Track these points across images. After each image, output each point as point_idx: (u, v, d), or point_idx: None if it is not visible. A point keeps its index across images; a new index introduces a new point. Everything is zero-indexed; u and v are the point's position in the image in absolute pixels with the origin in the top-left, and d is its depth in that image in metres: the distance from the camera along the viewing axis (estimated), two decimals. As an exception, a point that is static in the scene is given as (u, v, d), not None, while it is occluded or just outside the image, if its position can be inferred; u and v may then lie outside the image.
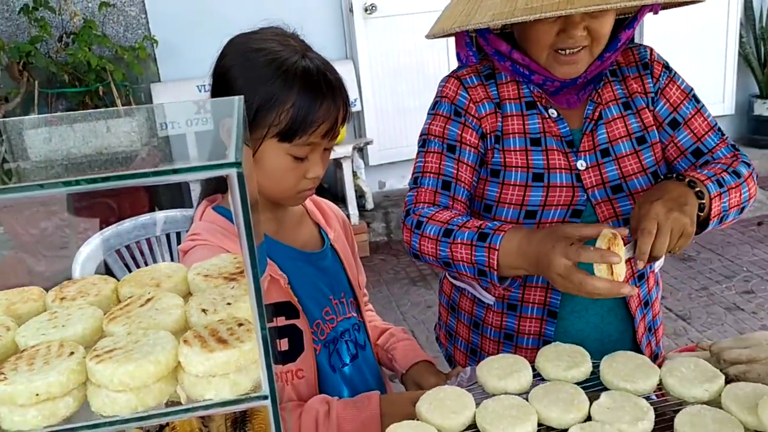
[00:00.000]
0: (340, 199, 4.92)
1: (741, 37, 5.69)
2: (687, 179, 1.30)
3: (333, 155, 4.60)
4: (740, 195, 1.39)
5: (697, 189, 1.29)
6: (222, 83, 1.24)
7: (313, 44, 1.32)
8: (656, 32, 5.55)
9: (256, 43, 1.24)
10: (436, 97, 1.49)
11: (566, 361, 1.21)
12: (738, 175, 1.39)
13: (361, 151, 5.08)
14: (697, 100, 1.50)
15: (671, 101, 1.48)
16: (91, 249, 2.11)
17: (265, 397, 0.70)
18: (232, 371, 0.70)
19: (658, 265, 1.60)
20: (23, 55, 4.27)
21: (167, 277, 0.87)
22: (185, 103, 2.82)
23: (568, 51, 1.34)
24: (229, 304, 0.79)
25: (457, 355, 1.63)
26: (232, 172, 0.63)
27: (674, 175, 1.32)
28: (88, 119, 1.02)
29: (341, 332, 1.42)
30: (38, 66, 4.36)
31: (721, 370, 1.39)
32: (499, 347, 1.54)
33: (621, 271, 1.14)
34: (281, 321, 1.30)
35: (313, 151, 1.26)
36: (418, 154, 1.47)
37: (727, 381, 1.36)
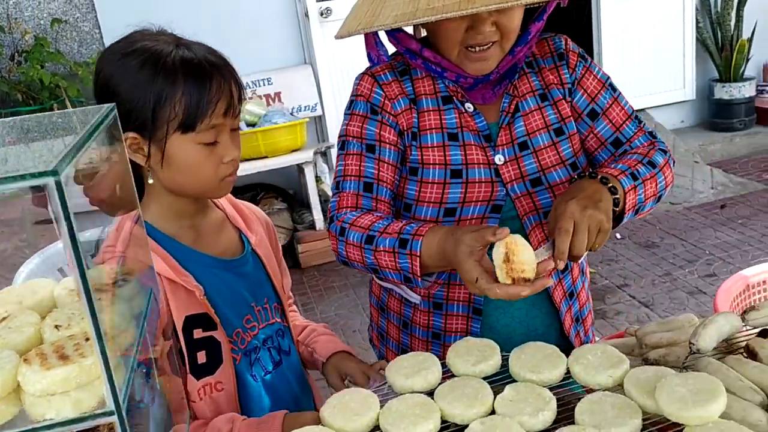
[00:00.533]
0: (305, 205, 4.90)
1: (697, 22, 5.75)
2: (600, 176, 1.31)
3: (295, 161, 4.63)
4: (656, 185, 1.40)
5: (611, 185, 1.29)
6: (106, 96, 1.21)
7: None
8: (613, 22, 5.60)
9: (127, 48, 1.22)
10: (351, 96, 1.47)
11: (475, 356, 1.21)
12: (653, 165, 1.41)
13: (324, 155, 5.07)
14: (614, 89, 1.50)
15: (589, 92, 1.48)
16: (30, 269, 2.08)
17: (111, 413, 0.68)
18: (72, 388, 0.68)
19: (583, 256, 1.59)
20: (56, 87, 4.23)
21: (32, 294, 0.85)
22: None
23: (478, 48, 1.33)
24: (83, 318, 0.77)
25: (390, 356, 1.62)
26: (50, 182, 0.61)
27: (587, 173, 1.33)
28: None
29: (263, 340, 1.40)
30: (76, 99, 4.34)
31: (642, 355, 1.41)
32: (428, 346, 1.53)
33: (529, 274, 1.13)
34: (198, 333, 1.28)
35: (220, 133, 1.24)
36: (338, 157, 1.45)
37: (648, 364, 1.37)
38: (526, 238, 1.41)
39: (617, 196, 1.30)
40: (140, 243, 1.26)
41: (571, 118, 1.48)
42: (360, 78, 1.47)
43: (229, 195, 1.52)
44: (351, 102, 1.47)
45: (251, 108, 4.71)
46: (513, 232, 1.40)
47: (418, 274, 1.26)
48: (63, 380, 0.67)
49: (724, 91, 5.78)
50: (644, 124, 1.51)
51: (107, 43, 4.90)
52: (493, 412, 1.09)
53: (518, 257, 1.12)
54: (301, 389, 1.48)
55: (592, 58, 5.71)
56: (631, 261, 4.20)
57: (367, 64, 1.47)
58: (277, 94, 5.06)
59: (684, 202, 4.99)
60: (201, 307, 1.28)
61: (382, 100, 1.42)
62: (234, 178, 1.31)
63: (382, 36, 1.43)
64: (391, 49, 1.48)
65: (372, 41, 1.43)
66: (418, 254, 1.24)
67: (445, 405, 1.09)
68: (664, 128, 5.66)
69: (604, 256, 4.31)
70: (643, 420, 1.04)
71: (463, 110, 1.43)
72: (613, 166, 1.38)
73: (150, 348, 1.04)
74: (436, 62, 1.39)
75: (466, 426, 1.06)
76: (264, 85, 5.06)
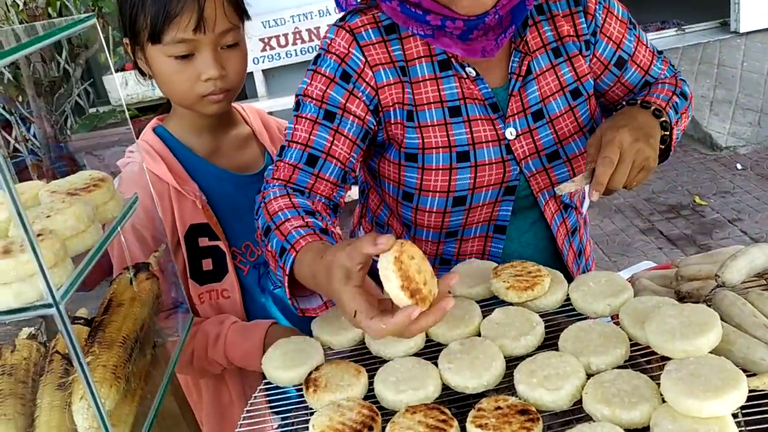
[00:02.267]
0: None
1: None
2: (653, 107, 1.17)
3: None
4: (687, 118, 1.28)
5: (663, 119, 1.17)
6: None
7: None
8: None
9: None
10: (320, 49, 1.23)
11: (474, 279, 1.17)
12: (685, 96, 1.28)
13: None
14: (634, 25, 1.33)
15: (613, 38, 1.29)
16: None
17: (50, 306, 0.74)
18: (12, 280, 0.74)
19: (585, 206, 1.45)
20: (93, 2, 4.49)
21: (20, 194, 0.92)
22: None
23: None
24: (48, 216, 0.83)
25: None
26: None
27: (638, 102, 1.20)
28: None
29: None
30: (109, 11, 4.58)
31: (676, 288, 1.31)
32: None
33: (423, 287, 0.86)
34: (204, 242, 1.34)
35: (196, 49, 1.24)
36: (292, 119, 1.23)
37: (680, 298, 1.27)
38: (541, 215, 1.33)
39: (668, 132, 1.17)
40: (152, 153, 1.32)
41: (588, 76, 1.28)
42: (334, 32, 1.21)
43: (261, 110, 1.54)
44: (318, 57, 1.22)
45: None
46: (526, 209, 1.31)
47: (289, 295, 1.04)
48: (1, 272, 0.73)
49: None
50: (664, 56, 1.37)
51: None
52: (479, 335, 1.06)
53: (411, 267, 0.85)
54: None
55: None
56: (749, 194, 3.85)
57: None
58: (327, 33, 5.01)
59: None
60: (201, 217, 1.33)
61: (361, 66, 1.18)
62: (220, 97, 1.28)
63: None
64: None
65: None
66: (287, 273, 1.02)
67: (430, 324, 1.08)
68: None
69: (719, 187, 3.98)
70: (635, 351, 0.98)
71: (464, 75, 1.21)
72: (655, 96, 1.24)
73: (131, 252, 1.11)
74: (416, 2, 1.13)
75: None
76: (368, 7, 5.02)
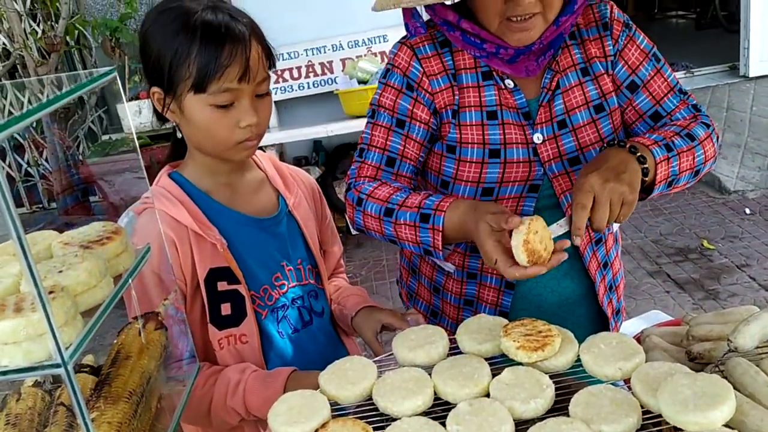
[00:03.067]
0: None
1: None
2: (628, 145, 1.23)
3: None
4: (693, 158, 1.30)
5: (639, 154, 1.21)
6: (144, 44, 1.28)
7: None
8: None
9: (169, 3, 1.27)
10: (387, 64, 1.43)
11: (484, 334, 1.16)
12: (692, 137, 1.31)
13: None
14: (658, 59, 1.41)
15: (630, 63, 1.40)
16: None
17: (58, 366, 0.73)
18: (22, 340, 0.73)
19: (616, 226, 1.52)
20: (111, 31, 4.56)
21: (32, 245, 0.92)
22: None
23: (519, 18, 1.26)
24: (60, 272, 0.83)
25: (418, 314, 1.62)
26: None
27: (616, 142, 1.25)
28: None
29: (293, 299, 1.43)
30: (127, 41, 4.66)
31: (687, 347, 1.29)
32: (459, 312, 1.51)
33: (544, 252, 1.12)
34: (223, 286, 1.34)
35: (237, 98, 1.26)
36: (366, 124, 1.44)
37: (690, 358, 1.26)
38: (562, 215, 1.38)
39: (646, 165, 1.22)
40: (170, 198, 1.33)
41: (612, 93, 1.40)
42: (398, 48, 1.41)
43: (273, 156, 1.56)
44: (387, 71, 1.42)
45: (363, 65, 4.74)
46: (549, 209, 1.41)
47: (440, 248, 1.25)
48: (12, 331, 0.73)
49: None
50: (688, 97, 1.41)
51: (234, 2, 5.14)
52: (488, 394, 1.05)
53: (536, 242, 1.10)
54: (333, 350, 1.50)
55: (736, 6, 5.24)
56: (757, 239, 3.83)
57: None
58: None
59: (833, 176, 4.46)
60: (222, 261, 1.33)
61: (420, 76, 1.38)
62: (254, 143, 1.32)
63: (419, 6, 1.37)
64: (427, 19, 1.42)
65: (409, 13, 1.37)
66: (440, 229, 1.24)
67: (439, 382, 1.07)
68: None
69: (727, 232, 3.96)
70: (647, 419, 0.96)
71: (503, 86, 1.38)
72: (647, 136, 1.30)
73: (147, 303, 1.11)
74: (475, 33, 1.31)
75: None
76: (380, 42, 5.07)
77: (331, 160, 5.17)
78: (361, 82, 4.72)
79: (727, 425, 0.90)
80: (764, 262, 3.60)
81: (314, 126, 4.65)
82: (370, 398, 1.09)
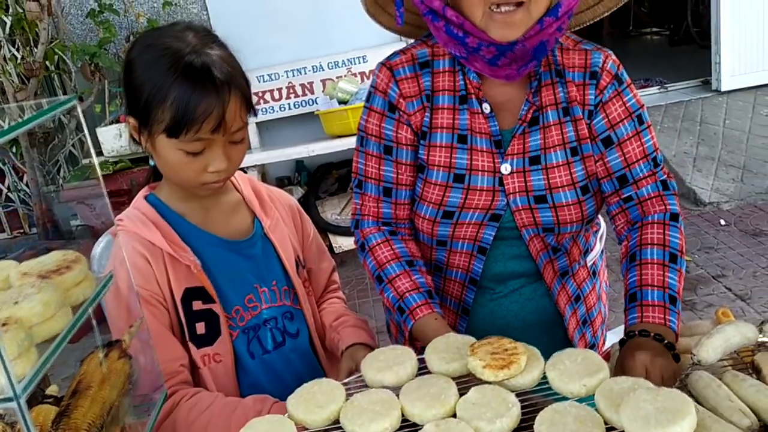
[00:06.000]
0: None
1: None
2: (653, 334, 1.18)
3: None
4: (682, 275, 1.29)
5: (666, 341, 1.18)
6: (126, 73, 1.29)
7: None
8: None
9: (157, 38, 1.27)
10: (370, 87, 1.44)
11: (452, 353, 1.17)
12: (674, 258, 1.29)
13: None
14: (641, 122, 1.38)
15: (611, 117, 1.37)
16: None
17: (11, 399, 0.73)
18: (-26, 373, 0.73)
19: (591, 257, 1.51)
20: (90, 56, 4.55)
21: (-9, 277, 0.92)
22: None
23: (503, 8, 1.23)
24: (16, 303, 0.83)
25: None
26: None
27: (637, 332, 1.20)
28: None
29: (265, 320, 1.43)
30: (106, 66, 4.64)
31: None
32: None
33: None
34: (198, 305, 1.35)
35: (209, 146, 1.26)
36: (357, 152, 1.46)
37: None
38: (527, 256, 1.44)
39: (675, 351, 1.18)
40: (145, 221, 1.33)
41: (588, 140, 1.39)
42: (379, 69, 1.42)
43: (252, 178, 1.57)
44: (369, 94, 1.44)
45: (343, 86, 4.77)
46: (510, 239, 1.42)
47: (410, 338, 1.36)
48: (-36, 365, 0.72)
49: None
50: (659, 168, 1.39)
51: (213, 24, 5.14)
52: (455, 414, 1.05)
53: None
54: (309, 372, 1.49)
55: (707, 22, 5.32)
56: (732, 250, 3.87)
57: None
58: (372, 72, 5.09)
59: (807, 186, 4.52)
60: (196, 281, 1.34)
61: (397, 98, 1.39)
62: (220, 185, 1.34)
63: None
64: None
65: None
66: (409, 329, 1.35)
67: (407, 403, 1.07)
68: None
69: (703, 243, 4.00)
70: (610, 436, 0.97)
71: (480, 111, 1.37)
72: (648, 297, 1.24)
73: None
74: (459, 23, 1.28)
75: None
76: (359, 63, 5.10)
77: (313, 179, 5.17)
78: (341, 102, 4.74)
79: (689, 439, 0.91)
80: (739, 272, 3.63)
81: (296, 146, 4.66)
82: (337, 422, 1.09)
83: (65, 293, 0.88)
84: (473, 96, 1.37)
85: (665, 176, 1.39)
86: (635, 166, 1.37)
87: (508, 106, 1.38)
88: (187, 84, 1.21)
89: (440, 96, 1.39)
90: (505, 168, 1.37)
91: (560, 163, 1.37)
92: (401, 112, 1.39)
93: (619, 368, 1.15)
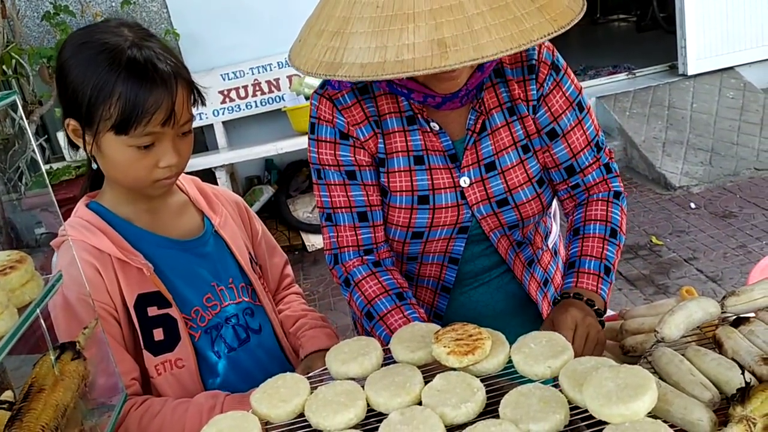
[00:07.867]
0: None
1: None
2: (585, 298, 1.27)
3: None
4: (620, 248, 1.38)
5: (596, 307, 1.27)
6: (61, 75, 1.24)
7: None
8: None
9: (91, 35, 1.23)
10: (311, 118, 1.38)
11: (417, 342, 1.15)
12: (615, 233, 1.38)
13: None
14: (581, 108, 1.39)
15: (553, 110, 1.38)
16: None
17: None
18: None
19: (551, 240, 1.54)
20: (47, 59, 4.46)
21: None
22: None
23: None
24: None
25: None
26: None
27: (571, 294, 1.28)
28: None
29: (226, 318, 1.41)
30: None
31: (620, 341, 1.30)
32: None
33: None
34: (153, 311, 1.31)
35: (158, 139, 1.23)
36: (317, 185, 1.40)
37: (624, 352, 1.27)
38: (495, 250, 1.45)
39: (602, 318, 1.28)
40: (89, 227, 1.29)
41: (536, 134, 1.40)
42: (317, 100, 1.37)
43: (196, 179, 1.54)
44: (313, 125, 1.38)
45: (310, 81, 4.73)
46: (479, 243, 1.45)
47: None
48: None
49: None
50: (602, 152, 1.43)
51: (174, 22, 5.06)
52: (421, 402, 1.04)
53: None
54: (278, 366, 1.47)
55: (673, 8, 5.38)
56: (703, 232, 3.92)
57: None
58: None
59: (771, 168, 4.59)
60: (151, 286, 1.30)
61: (346, 126, 1.35)
62: (171, 181, 1.31)
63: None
64: None
65: None
66: None
67: (371, 393, 1.06)
68: (754, 87, 5.20)
69: (674, 227, 4.05)
70: (575, 414, 0.96)
71: (428, 129, 1.36)
72: (585, 266, 1.32)
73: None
74: (401, 84, 1.29)
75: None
76: (326, 58, 5.07)
77: (283, 177, 5.13)
78: (309, 98, 4.72)
79: (652, 414, 0.91)
80: (710, 254, 3.68)
81: (264, 144, 4.62)
82: (301, 415, 1.07)
83: (11, 294, 0.85)
84: (419, 116, 1.35)
85: (607, 159, 1.44)
86: (581, 155, 1.40)
87: (453, 117, 1.37)
88: (133, 78, 1.19)
89: (388, 120, 1.36)
90: (464, 181, 1.37)
91: (515, 164, 1.38)
92: (354, 139, 1.35)
93: (549, 322, 1.22)
